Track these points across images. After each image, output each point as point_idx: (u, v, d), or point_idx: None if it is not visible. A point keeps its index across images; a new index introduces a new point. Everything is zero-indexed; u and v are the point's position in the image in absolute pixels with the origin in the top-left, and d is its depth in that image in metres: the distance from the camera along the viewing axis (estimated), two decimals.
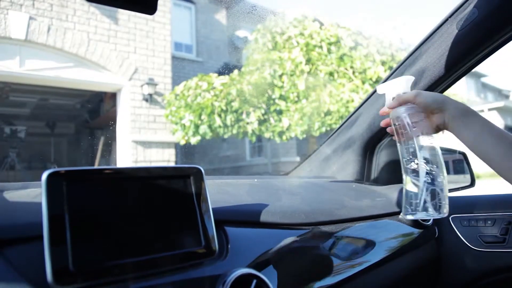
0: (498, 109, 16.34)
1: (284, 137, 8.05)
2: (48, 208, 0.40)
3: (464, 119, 0.68)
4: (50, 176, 0.42)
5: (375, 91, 1.10)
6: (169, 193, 0.50)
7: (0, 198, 0.54)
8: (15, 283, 0.38)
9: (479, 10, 0.82)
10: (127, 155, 8.13)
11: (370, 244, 0.78)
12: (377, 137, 1.08)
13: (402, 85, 0.72)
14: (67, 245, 0.40)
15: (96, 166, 0.47)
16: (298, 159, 11.41)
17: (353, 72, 8.25)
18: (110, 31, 8.17)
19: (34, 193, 0.57)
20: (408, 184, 0.70)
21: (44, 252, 0.39)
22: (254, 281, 0.48)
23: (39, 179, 0.52)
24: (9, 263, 0.39)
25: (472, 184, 1.24)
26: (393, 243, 0.83)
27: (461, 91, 16.46)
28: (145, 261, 0.45)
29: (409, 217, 0.70)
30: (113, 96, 8.93)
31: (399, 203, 0.92)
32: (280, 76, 8.11)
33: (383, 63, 8.45)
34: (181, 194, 0.51)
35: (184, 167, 0.53)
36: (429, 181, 0.68)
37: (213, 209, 0.54)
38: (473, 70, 1.01)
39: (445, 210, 0.68)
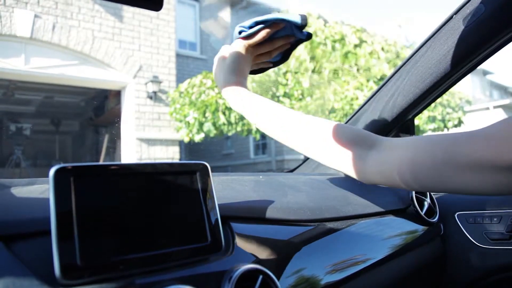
0: (504, 107, 16.25)
1: None
2: (56, 203, 0.41)
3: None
4: (57, 172, 0.42)
5: (380, 88, 1.09)
6: (176, 189, 0.50)
7: (8, 194, 0.54)
8: (24, 277, 0.38)
9: (485, 6, 0.81)
10: (132, 152, 8.16)
11: (375, 241, 0.78)
12: (382, 133, 1.08)
13: None
14: (74, 240, 0.41)
15: (102, 162, 0.47)
16: (302, 156, 11.40)
17: (358, 70, 8.23)
18: (114, 28, 8.19)
19: (41, 189, 0.57)
20: None
21: (52, 247, 0.39)
22: (260, 277, 0.48)
23: (45, 176, 0.52)
24: (18, 258, 0.40)
25: None
26: (398, 240, 0.83)
27: (467, 88, 16.38)
28: (152, 257, 0.45)
29: None
30: (117, 94, 8.96)
31: (404, 200, 0.92)
32: (284, 73, 8.11)
33: (388, 60, 8.42)
34: (188, 190, 0.51)
35: (191, 163, 0.53)
36: None
37: (219, 205, 0.54)
38: (479, 67, 1.00)
39: None
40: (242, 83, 0.73)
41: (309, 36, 0.75)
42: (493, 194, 0.48)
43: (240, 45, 0.73)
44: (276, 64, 0.83)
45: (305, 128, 0.64)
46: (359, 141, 0.60)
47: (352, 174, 0.61)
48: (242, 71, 0.73)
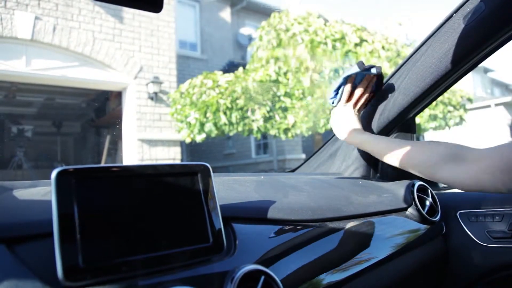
0: (505, 104, 16.22)
1: (289, 134, 8.04)
2: (58, 205, 0.41)
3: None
4: (59, 174, 0.42)
5: (380, 88, 1.09)
6: (177, 190, 0.50)
7: (10, 197, 0.54)
8: (27, 280, 0.38)
9: (486, 5, 0.81)
10: (133, 153, 8.16)
11: (377, 240, 0.78)
12: (383, 132, 1.08)
13: None
14: (77, 242, 0.41)
15: (104, 164, 0.47)
16: (303, 156, 11.40)
17: None
18: (115, 30, 8.20)
19: (43, 191, 0.57)
20: None
21: (55, 249, 0.39)
22: (262, 277, 0.48)
23: (47, 178, 0.53)
24: (21, 260, 0.40)
25: None
26: (400, 239, 0.83)
27: (468, 86, 16.35)
28: (154, 258, 0.45)
29: None
30: (118, 95, 8.97)
31: (406, 199, 0.92)
32: (285, 73, 8.10)
33: (388, 59, 8.40)
34: (189, 191, 0.51)
35: (192, 164, 0.53)
36: None
37: (220, 205, 0.54)
38: (480, 65, 1.00)
39: None
40: (364, 132, 0.97)
41: (378, 70, 1.00)
42: None
43: (341, 109, 1.03)
44: (377, 92, 1.08)
45: (415, 155, 0.80)
46: (453, 157, 0.71)
47: (453, 185, 0.73)
48: (353, 123, 1.00)
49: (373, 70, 1.00)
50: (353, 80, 1.02)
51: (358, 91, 1.03)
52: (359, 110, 1.05)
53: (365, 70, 0.99)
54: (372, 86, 1.05)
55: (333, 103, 1.06)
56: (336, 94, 1.05)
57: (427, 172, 0.78)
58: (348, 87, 1.02)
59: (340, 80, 1.02)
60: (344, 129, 1.00)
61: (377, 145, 0.91)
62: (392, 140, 0.90)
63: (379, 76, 1.04)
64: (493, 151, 0.65)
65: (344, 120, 1.01)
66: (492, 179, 0.63)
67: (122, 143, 8.69)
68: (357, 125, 1.00)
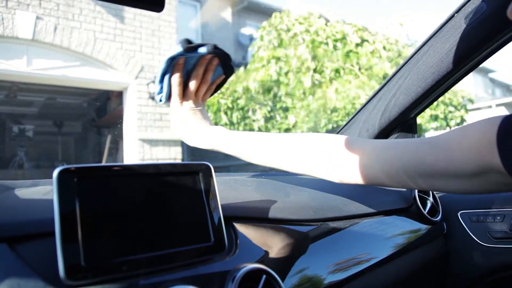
0: (506, 105, 16.19)
1: None
2: (60, 204, 0.41)
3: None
4: (61, 173, 0.42)
5: (382, 87, 1.09)
6: (179, 189, 0.50)
7: (12, 196, 0.54)
8: (29, 279, 0.38)
9: (487, 5, 0.81)
10: (134, 153, 8.16)
11: (378, 240, 0.78)
12: (384, 132, 1.08)
13: None
14: (78, 241, 0.41)
15: (106, 163, 0.48)
16: None
17: (359, 69, 8.21)
18: (116, 29, 8.20)
19: (45, 190, 0.57)
20: None
21: (56, 248, 0.40)
22: (264, 277, 0.48)
23: (48, 177, 0.53)
24: (22, 259, 0.40)
25: None
26: (402, 239, 0.83)
27: (469, 86, 16.33)
28: (156, 257, 0.45)
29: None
30: (119, 95, 8.97)
31: (407, 199, 0.92)
32: (286, 73, 8.10)
33: (389, 59, 8.40)
34: (190, 191, 0.51)
35: (193, 163, 0.53)
36: None
37: (222, 205, 0.54)
38: (481, 66, 1.00)
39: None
40: (212, 128, 0.76)
41: (209, 49, 0.75)
42: (455, 193, 0.50)
43: (177, 106, 0.76)
44: (228, 74, 0.83)
45: (283, 149, 0.68)
46: (333, 149, 0.62)
47: (331, 178, 0.64)
48: (199, 120, 0.76)
49: (202, 50, 0.75)
50: (183, 66, 0.75)
51: (195, 79, 0.77)
52: (203, 99, 0.81)
53: (190, 50, 0.75)
54: (218, 69, 0.80)
55: (160, 100, 0.78)
56: (162, 86, 0.76)
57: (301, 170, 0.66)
58: (177, 77, 0.74)
59: (162, 66, 0.74)
60: (190, 131, 0.76)
61: (241, 150, 0.72)
62: (260, 139, 0.71)
63: (224, 55, 0.77)
64: (372, 151, 0.58)
65: (186, 118, 0.76)
66: (370, 177, 0.58)
67: (123, 142, 8.70)
68: (203, 121, 0.77)
